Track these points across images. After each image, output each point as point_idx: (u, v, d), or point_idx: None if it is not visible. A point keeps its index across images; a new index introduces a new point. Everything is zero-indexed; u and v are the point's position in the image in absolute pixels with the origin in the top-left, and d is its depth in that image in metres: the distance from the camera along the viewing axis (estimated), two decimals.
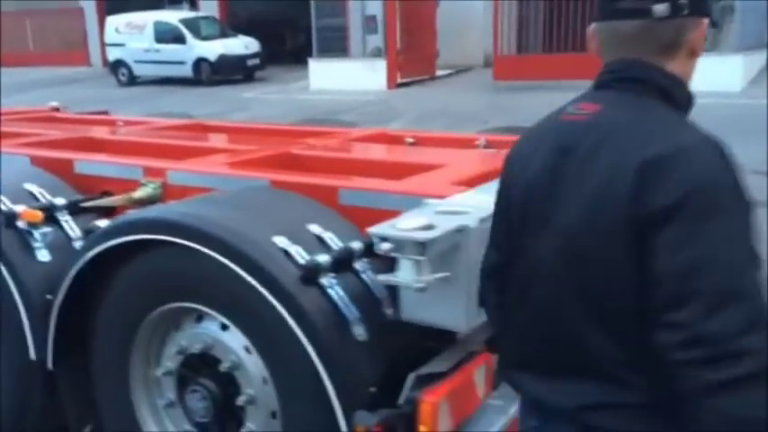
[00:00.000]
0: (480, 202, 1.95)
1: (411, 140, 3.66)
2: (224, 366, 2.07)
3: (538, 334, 1.33)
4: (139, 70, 18.75)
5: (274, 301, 1.84)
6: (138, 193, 2.70)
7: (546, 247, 1.30)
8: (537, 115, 1.50)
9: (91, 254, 2.18)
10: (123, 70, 18.87)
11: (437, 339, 1.99)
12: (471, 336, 2.00)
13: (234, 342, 2.06)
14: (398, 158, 2.86)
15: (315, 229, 2.03)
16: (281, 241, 1.91)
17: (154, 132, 3.95)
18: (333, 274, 1.87)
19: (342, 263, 1.91)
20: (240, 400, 2.05)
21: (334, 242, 2.01)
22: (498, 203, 1.48)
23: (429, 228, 1.70)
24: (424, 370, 1.82)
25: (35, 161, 3.09)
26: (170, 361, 2.23)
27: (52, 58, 23.51)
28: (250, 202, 2.25)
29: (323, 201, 2.34)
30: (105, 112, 5.72)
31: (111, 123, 4.69)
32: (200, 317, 2.16)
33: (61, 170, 3.03)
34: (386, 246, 1.68)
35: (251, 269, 1.87)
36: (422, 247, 1.65)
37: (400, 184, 2.32)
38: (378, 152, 3.08)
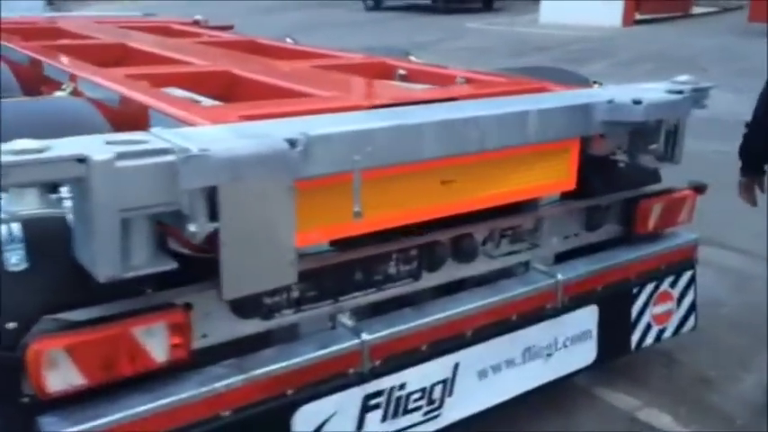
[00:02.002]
0: (191, 138, 1.62)
1: (403, 72, 3.25)
2: None
3: None
4: None
5: None
6: None
7: None
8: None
9: None
10: None
11: (150, 284, 1.76)
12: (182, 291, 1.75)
13: None
14: (305, 88, 2.52)
15: None
16: None
17: (185, 46, 3.96)
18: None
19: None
20: None
21: None
22: None
23: (38, 151, 1.46)
24: (62, 315, 1.62)
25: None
26: None
27: None
28: (39, 113, 2.14)
29: (138, 121, 2.16)
30: (231, 27, 5.91)
31: (196, 36, 4.81)
32: None
33: (33, 71, 3.19)
34: None
35: None
36: None
37: (193, 109, 2.05)
38: (308, 79, 2.75)
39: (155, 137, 1.63)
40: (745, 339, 3.12)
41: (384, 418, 2.08)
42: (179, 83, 2.70)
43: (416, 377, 2.12)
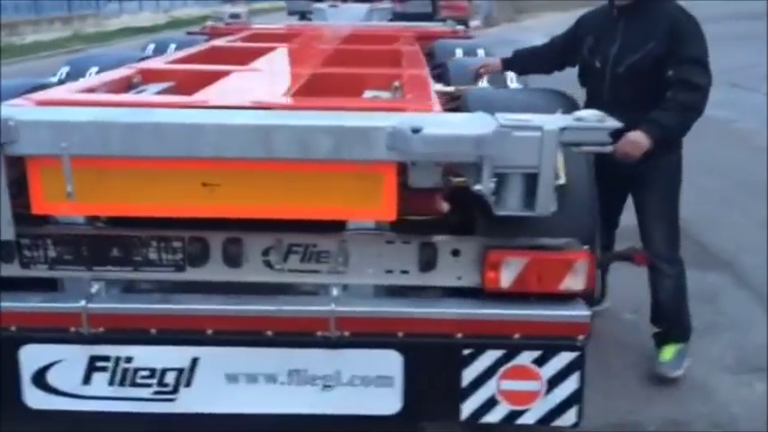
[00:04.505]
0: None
1: (397, 84, 3.19)
2: None
3: None
4: None
5: None
6: None
7: None
8: None
9: None
10: None
11: None
12: None
13: None
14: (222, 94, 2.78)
15: None
16: None
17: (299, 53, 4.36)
18: None
19: None
20: None
21: None
22: None
23: None
24: None
25: None
26: None
27: None
28: None
29: None
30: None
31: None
32: None
33: None
34: None
35: None
36: None
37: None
38: (268, 86, 2.96)
39: None
40: None
41: (111, 383, 2.32)
42: (175, 78, 3.24)
43: (144, 356, 2.30)
